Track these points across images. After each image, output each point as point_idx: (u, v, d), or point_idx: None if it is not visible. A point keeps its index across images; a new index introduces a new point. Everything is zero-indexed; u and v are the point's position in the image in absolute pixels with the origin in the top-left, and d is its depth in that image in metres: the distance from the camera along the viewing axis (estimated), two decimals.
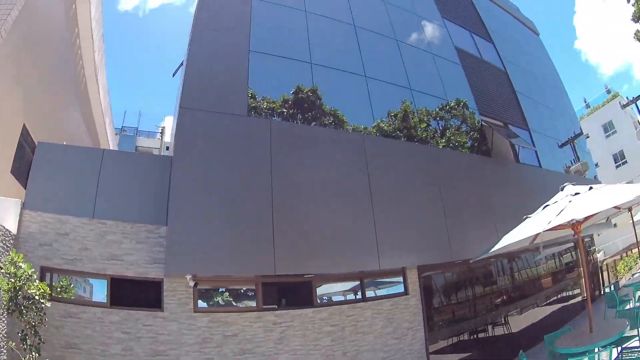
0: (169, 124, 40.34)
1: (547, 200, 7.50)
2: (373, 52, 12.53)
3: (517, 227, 7.55)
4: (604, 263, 24.69)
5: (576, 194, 7.03)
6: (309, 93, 10.36)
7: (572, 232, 7.31)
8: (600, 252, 35.79)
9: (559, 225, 7.01)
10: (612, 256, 30.10)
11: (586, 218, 7.37)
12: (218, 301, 8.07)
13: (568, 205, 6.57)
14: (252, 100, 9.30)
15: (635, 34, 15.15)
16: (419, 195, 10.75)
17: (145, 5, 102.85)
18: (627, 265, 22.28)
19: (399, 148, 11.27)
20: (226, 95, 8.80)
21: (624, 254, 26.68)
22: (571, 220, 6.45)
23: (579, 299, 16.46)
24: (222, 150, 8.17)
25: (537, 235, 7.64)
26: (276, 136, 8.75)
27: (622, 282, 16.10)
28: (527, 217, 7.58)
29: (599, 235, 31.17)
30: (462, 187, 12.12)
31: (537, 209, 7.48)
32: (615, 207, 8.59)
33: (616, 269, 22.63)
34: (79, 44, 14.20)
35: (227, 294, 8.21)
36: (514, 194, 14.11)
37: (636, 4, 14.46)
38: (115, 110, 35.58)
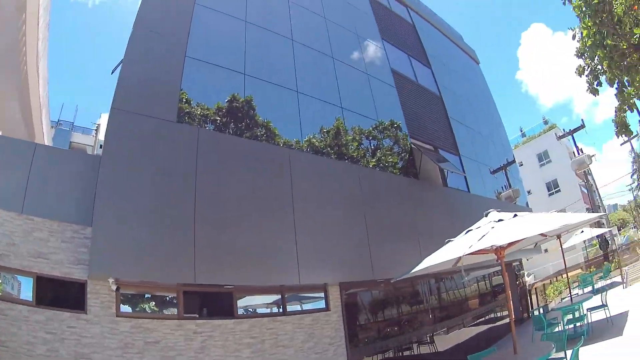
0: (105, 121, 39.02)
1: (473, 225, 7.85)
2: (308, 68, 12.87)
3: (440, 249, 7.82)
4: (534, 287, 26.08)
5: (499, 220, 7.36)
6: (243, 103, 10.49)
7: (496, 257, 7.60)
8: (531, 276, 38.22)
9: (482, 250, 7.37)
10: (542, 280, 31.74)
11: (509, 244, 7.70)
12: (141, 307, 8.00)
13: (490, 232, 6.85)
14: (186, 105, 9.33)
15: (577, 68, 16.18)
16: (343, 213, 11.09)
17: None
18: (556, 290, 23.74)
19: (326, 165, 11.60)
20: (158, 99, 8.79)
21: (554, 279, 28.16)
22: (492, 245, 6.69)
23: (507, 320, 17.31)
24: (149, 154, 8.16)
25: (459, 258, 7.84)
26: (204, 146, 8.80)
27: (551, 306, 16.99)
28: (449, 241, 7.87)
29: (527, 260, 32.99)
30: (387, 208, 12.57)
31: (462, 233, 7.83)
32: (541, 235, 9.13)
33: (545, 293, 23.96)
34: (25, 30, 13.53)
35: (150, 300, 8.14)
36: (440, 217, 14.79)
37: (581, 41, 15.44)
38: (53, 103, 34.00)
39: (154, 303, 8.16)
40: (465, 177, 18.77)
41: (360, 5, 18.27)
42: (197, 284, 8.02)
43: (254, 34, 11.75)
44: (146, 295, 8.12)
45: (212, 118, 9.83)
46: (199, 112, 9.56)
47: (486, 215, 7.94)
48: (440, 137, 18.75)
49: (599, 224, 32.37)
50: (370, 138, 14.41)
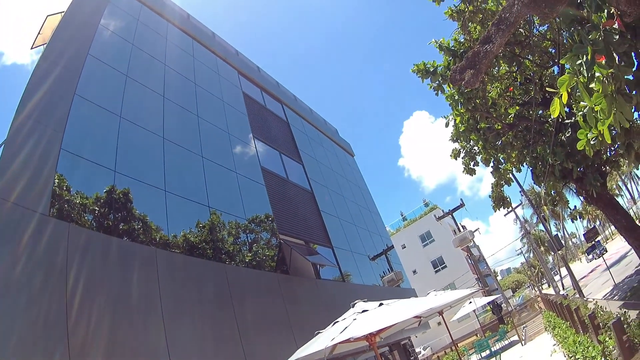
0: None
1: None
2: (178, 166, 13.76)
3: (310, 342, 8.46)
4: (430, 359, 27.60)
5: (363, 311, 8.07)
6: (120, 194, 11.03)
7: (367, 343, 8.33)
8: (427, 349, 40.07)
9: (349, 340, 8.07)
10: (438, 352, 33.34)
11: (380, 330, 8.42)
12: None
13: (352, 323, 7.47)
14: (65, 192, 9.62)
15: (452, 151, 18.22)
16: (213, 310, 11.66)
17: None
18: (451, 359, 24.81)
19: (193, 263, 12.18)
20: (31, 188, 8.78)
21: (450, 349, 29.82)
22: (350, 337, 7.08)
23: None
24: (16, 249, 7.94)
25: (334, 347, 8.58)
26: (73, 242, 8.87)
27: None
28: (319, 333, 8.56)
29: (417, 336, 34.69)
30: (257, 304, 13.42)
31: (330, 324, 8.55)
32: (415, 317, 9.95)
33: None
34: None
35: None
36: (313, 309, 16.05)
37: (454, 128, 17.32)
38: None
39: None
40: (339, 268, 20.33)
41: (235, 102, 20.16)
42: None
43: (127, 129, 12.43)
44: None
45: (91, 208, 10.18)
46: (77, 201, 9.85)
47: (352, 306, 8.74)
48: (312, 231, 20.45)
49: (488, 292, 35.64)
50: (247, 231, 15.45)
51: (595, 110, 3.95)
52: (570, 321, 11.72)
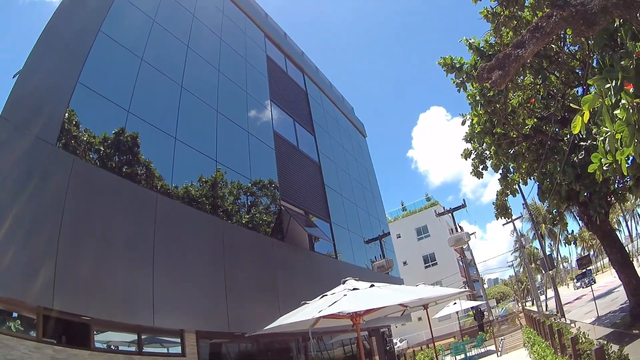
0: None
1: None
2: (191, 117, 13.81)
3: (295, 311, 8.42)
4: (404, 352, 28.00)
5: (354, 289, 7.94)
6: (128, 137, 11.07)
7: (351, 322, 8.28)
8: (404, 342, 40.71)
9: (336, 315, 8.03)
10: (414, 347, 33.84)
11: (367, 312, 8.29)
12: (6, 324, 7.89)
13: (342, 299, 7.32)
14: (74, 128, 9.66)
15: (463, 151, 18.18)
16: (204, 265, 11.89)
17: None
18: (427, 356, 25.52)
19: (190, 215, 12.29)
20: (43, 117, 8.89)
21: (426, 346, 30.24)
22: (340, 312, 7.02)
23: None
24: (21, 174, 8.14)
25: (318, 320, 8.42)
26: (76, 177, 9.00)
27: None
28: (305, 303, 8.47)
29: (400, 326, 35.12)
30: (249, 265, 13.65)
31: (318, 297, 8.48)
32: (401, 305, 9.91)
33: (415, 358, 25.66)
34: None
35: (16, 319, 8.02)
36: (302, 279, 16.28)
37: (470, 128, 17.27)
38: None
39: (19, 322, 8.09)
40: (333, 244, 20.53)
41: (257, 63, 20.00)
42: (58, 311, 8.09)
43: (147, 73, 12.39)
44: (14, 314, 8.09)
45: (96, 147, 10.24)
46: (85, 138, 9.92)
47: (343, 283, 8.62)
48: (313, 203, 20.60)
49: (474, 297, 35.87)
50: (249, 194, 15.56)
51: (616, 138, 3.94)
52: (549, 341, 11.68)
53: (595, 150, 4.64)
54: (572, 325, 14.01)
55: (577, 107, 4.47)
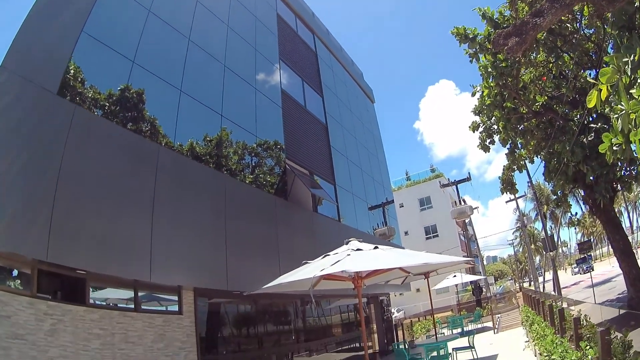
0: None
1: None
2: (197, 71, 13.53)
3: (296, 270, 8.28)
4: (402, 322, 28.38)
5: (358, 249, 7.75)
6: (134, 94, 10.85)
7: (352, 285, 8.14)
8: (401, 312, 41.22)
9: (339, 276, 8.04)
10: (411, 317, 34.28)
11: (368, 274, 8.35)
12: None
13: (346, 259, 7.10)
14: (79, 84, 9.51)
15: (471, 123, 17.97)
16: (204, 221, 11.74)
17: None
18: (424, 327, 26.19)
19: (194, 168, 12.15)
20: (46, 65, 8.72)
21: (423, 317, 30.54)
22: (343, 271, 6.88)
23: (370, 351, 19.32)
24: (21, 121, 7.99)
25: (317, 281, 8.33)
26: (77, 126, 8.81)
27: (417, 342, 18.47)
28: (306, 262, 8.35)
29: (399, 295, 35.45)
30: (250, 223, 13.48)
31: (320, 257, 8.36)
32: (403, 271, 9.72)
33: (412, 329, 26.43)
34: None
35: (7, 272, 7.94)
36: (304, 240, 16.19)
37: (480, 99, 17.02)
38: None
39: (12, 277, 8.02)
40: (337, 206, 20.60)
41: (267, 21, 19.58)
42: (52, 264, 7.96)
43: (153, 25, 12.09)
44: (11, 271, 8.00)
45: (102, 104, 10.08)
46: (88, 89, 9.75)
47: (346, 243, 8.43)
48: (318, 164, 20.54)
49: (473, 271, 36.07)
50: (253, 154, 15.45)
51: (631, 117, 3.81)
52: (549, 321, 11.48)
53: (607, 132, 4.49)
54: (572, 308, 13.90)
55: (593, 81, 4.32)
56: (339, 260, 7.04)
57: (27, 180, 7.80)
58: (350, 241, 8.54)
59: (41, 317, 7.66)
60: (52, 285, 8.41)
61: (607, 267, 40.00)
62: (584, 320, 8.09)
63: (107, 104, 10.24)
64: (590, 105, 4.19)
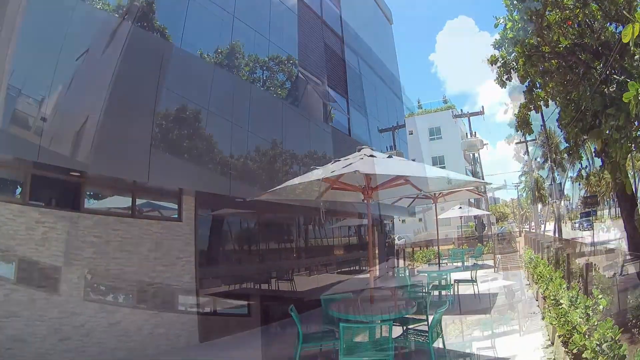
0: None
1: None
2: None
3: (304, 175, 7.88)
4: (403, 249, 28.80)
5: (371, 155, 7.30)
6: (144, 3, 10.05)
7: (362, 196, 7.88)
8: (402, 240, 41.86)
9: (349, 185, 7.77)
10: (413, 246, 34.79)
11: (377, 187, 8.00)
12: None
13: (358, 162, 6.83)
14: None
15: (490, 57, 17.24)
16: (214, 121, 11.15)
17: None
18: (425, 256, 26.22)
19: (203, 67, 11.44)
20: None
21: (425, 247, 31.15)
22: (356, 171, 6.57)
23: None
24: None
25: (326, 190, 8.16)
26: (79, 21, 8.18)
27: (418, 270, 18.75)
28: (315, 168, 7.88)
29: (401, 221, 35.66)
30: (257, 126, 12.82)
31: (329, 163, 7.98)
32: (414, 187, 8.95)
33: (414, 257, 26.62)
34: None
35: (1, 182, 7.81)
36: (315, 149, 15.73)
37: (502, 32, 16.19)
38: None
39: (1, 185, 7.81)
40: (348, 119, 20.28)
41: None
42: (45, 169, 7.67)
43: None
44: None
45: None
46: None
47: (358, 150, 7.86)
48: (331, 74, 19.74)
49: (478, 205, 36.08)
50: (265, 68, 14.66)
51: None
52: (553, 266, 11.26)
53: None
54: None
55: (629, 16, 4.03)
56: (350, 164, 6.74)
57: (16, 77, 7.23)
58: (362, 148, 7.93)
59: (32, 226, 7.40)
60: (46, 192, 8.13)
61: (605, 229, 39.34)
62: (594, 270, 7.72)
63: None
64: (626, 40, 3.99)
